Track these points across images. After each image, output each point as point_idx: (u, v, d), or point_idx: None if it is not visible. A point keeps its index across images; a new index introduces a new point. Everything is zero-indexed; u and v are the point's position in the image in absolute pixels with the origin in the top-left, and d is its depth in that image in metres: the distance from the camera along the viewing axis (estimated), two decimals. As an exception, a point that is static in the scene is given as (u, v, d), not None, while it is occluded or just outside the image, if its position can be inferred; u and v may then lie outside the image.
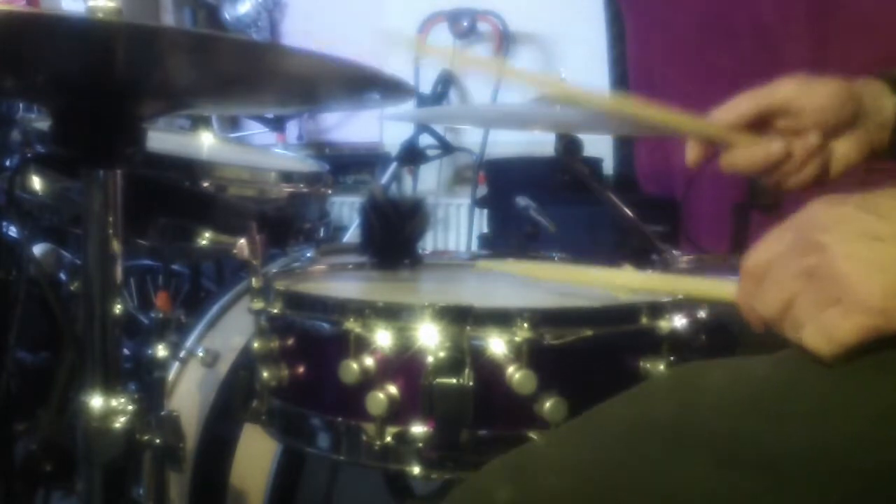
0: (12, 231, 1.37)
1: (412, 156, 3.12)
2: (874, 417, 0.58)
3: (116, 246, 0.95)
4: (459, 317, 0.85)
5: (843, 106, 0.88)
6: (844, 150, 0.91)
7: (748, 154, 0.90)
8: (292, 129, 3.71)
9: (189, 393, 1.33)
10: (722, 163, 0.92)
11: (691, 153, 0.93)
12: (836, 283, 0.57)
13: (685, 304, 0.96)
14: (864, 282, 0.56)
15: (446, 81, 3.37)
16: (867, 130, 0.90)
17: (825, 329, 0.58)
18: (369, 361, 0.86)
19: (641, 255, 1.52)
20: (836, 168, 0.91)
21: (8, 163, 1.33)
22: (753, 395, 0.64)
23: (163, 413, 1.04)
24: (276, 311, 0.97)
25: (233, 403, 1.04)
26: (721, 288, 0.73)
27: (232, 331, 1.37)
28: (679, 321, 0.93)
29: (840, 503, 0.57)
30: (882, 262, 0.56)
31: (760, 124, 0.91)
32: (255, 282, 0.99)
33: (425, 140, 3.12)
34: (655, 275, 0.80)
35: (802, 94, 0.89)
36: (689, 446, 0.62)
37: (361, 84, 0.99)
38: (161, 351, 1.14)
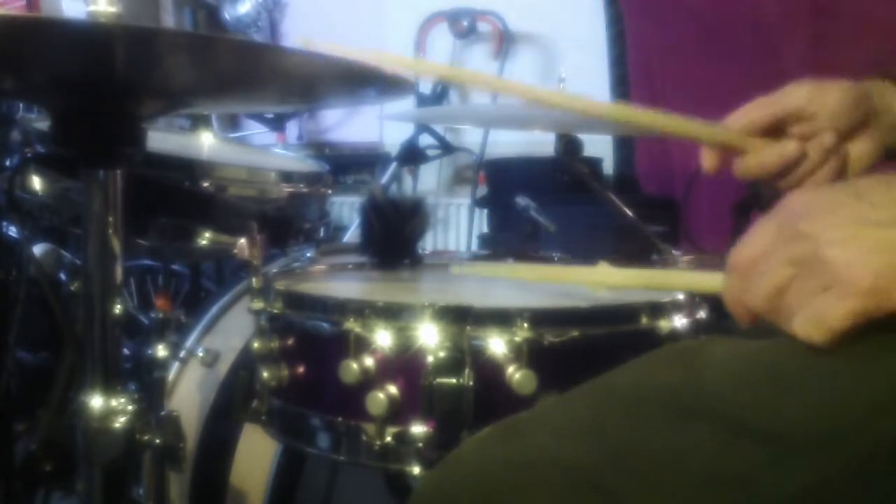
0: (12, 231, 1.37)
1: (412, 156, 3.12)
2: (877, 394, 0.58)
3: (116, 246, 0.95)
4: (459, 317, 0.85)
5: (855, 107, 0.88)
6: (859, 151, 0.91)
7: (762, 157, 0.90)
8: (292, 129, 3.71)
9: (189, 393, 1.33)
10: (736, 169, 0.92)
11: (707, 160, 0.93)
12: (825, 270, 0.57)
13: (685, 304, 0.96)
14: (852, 265, 0.56)
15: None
16: (879, 130, 0.90)
17: (816, 316, 0.57)
18: (369, 361, 0.86)
19: (641, 255, 1.52)
20: (853, 170, 0.91)
21: (8, 163, 1.33)
22: (756, 367, 0.63)
23: (163, 413, 1.04)
24: (276, 311, 0.97)
25: (233, 403, 1.04)
26: (707, 281, 0.72)
27: (232, 331, 1.37)
28: (679, 321, 0.93)
29: (840, 476, 0.57)
30: (870, 245, 0.56)
31: (774, 130, 0.90)
32: (255, 282, 0.99)
33: (425, 140, 3.11)
34: (635, 271, 0.80)
35: (814, 98, 0.88)
36: (690, 412, 0.61)
37: (360, 81, 0.99)
38: (161, 351, 1.13)
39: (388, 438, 0.87)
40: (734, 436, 0.59)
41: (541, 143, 1.96)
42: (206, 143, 1.71)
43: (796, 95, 0.89)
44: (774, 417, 0.59)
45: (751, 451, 0.58)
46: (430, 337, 0.85)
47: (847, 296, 0.56)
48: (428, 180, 3.50)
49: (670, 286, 0.88)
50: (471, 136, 3.30)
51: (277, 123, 3.57)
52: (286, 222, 1.43)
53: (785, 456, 0.58)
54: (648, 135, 0.94)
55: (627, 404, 0.65)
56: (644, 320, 0.91)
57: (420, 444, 0.86)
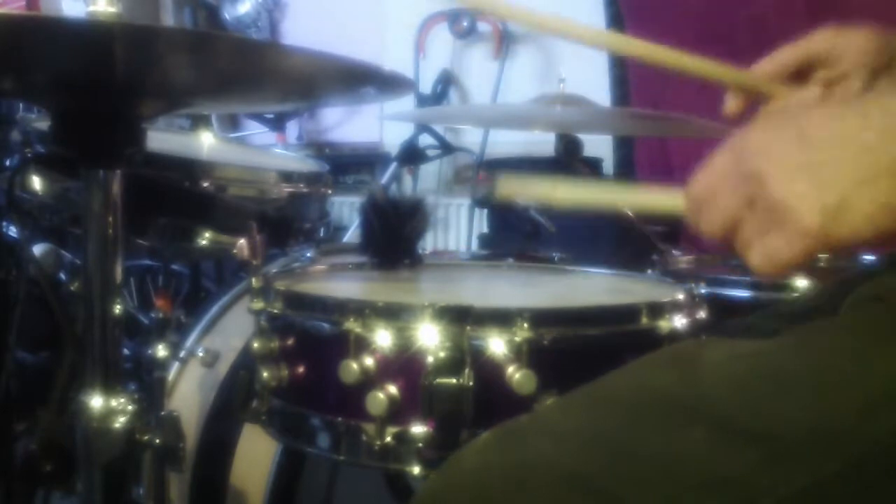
0: (12, 231, 1.37)
1: (412, 156, 3.12)
2: (873, 393, 0.58)
3: (116, 246, 0.95)
4: (459, 317, 0.85)
5: (880, 50, 0.89)
6: None
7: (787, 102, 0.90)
8: (292, 129, 3.71)
9: (189, 393, 1.33)
10: None
11: (731, 103, 0.93)
12: (776, 211, 0.59)
13: (685, 304, 0.96)
14: (800, 207, 0.58)
15: (446, 81, 3.37)
16: None
17: (768, 253, 0.61)
18: (369, 361, 0.86)
19: (641, 255, 1.52)
20: None
21: (8, 163, 1.33)
22: (753, 369, 0.64)
23: (163, 413, 1.04)
24: (276, 311, 0.97)
25: (233, 403, 1.04)
26: (668, 200, 0.73)
27: (232, 331, 1.37)
28: (679, 321, 0.93)
29: (837, 476, 0.57)
30: (817, 185, 0.58)
31: (800, 75, 0.90)
32: (255, 282, 0.99)
33: (425, 140, 3.11)
34: (602, 186, 0.80)
35: (840, 41, 0.89)
36: (688, 416, 0.62)
37: (360, 80, 0.99)
38: (161, 351, 1.13)
39: (388, 438, 0.87)
40: (731, 438, 0.60)
41: (541, 143, 1.96)
42: (206, 143, 1.71)
43: (821, 39, 0.89)
44: (770, 419, 0.59)
45: (747, 454, 0.59)
46: (430, 337, 0.85)
47: (796, 237, 0.59)
48: (428, 180, 3.50)
49: (630, 204, 0.86)
50: (471, 136, 3.30)
51: (277, 123, 3.57)
52: (286, 222, 1.43)
53: (781, 457, 0.58)
54: (672, 71, 0.93)
55: (625, 409, 0.65)
56: (644, 320, 0.91)
57: (420, 444, 0.86)
